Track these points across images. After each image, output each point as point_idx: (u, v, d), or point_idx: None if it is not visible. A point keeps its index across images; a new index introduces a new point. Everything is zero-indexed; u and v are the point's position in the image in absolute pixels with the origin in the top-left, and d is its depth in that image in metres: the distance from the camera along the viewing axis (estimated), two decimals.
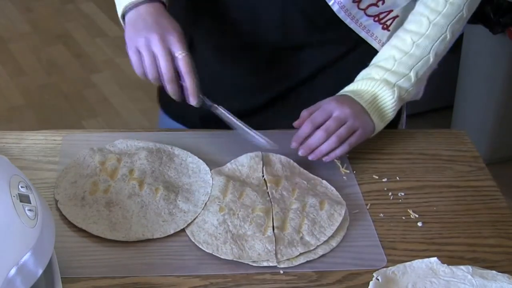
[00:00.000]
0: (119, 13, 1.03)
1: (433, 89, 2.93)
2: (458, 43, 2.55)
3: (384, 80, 1.07)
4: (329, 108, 1.04)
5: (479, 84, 2.48)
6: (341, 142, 1.02)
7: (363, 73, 1.10)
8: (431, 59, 1.10)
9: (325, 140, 1.02)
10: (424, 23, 1.08)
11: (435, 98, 2.77)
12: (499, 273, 0.86)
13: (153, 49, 0.96)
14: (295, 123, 1.05)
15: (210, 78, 1.06)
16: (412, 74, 1.08)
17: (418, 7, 1.10)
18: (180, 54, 0.97)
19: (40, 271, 0.73)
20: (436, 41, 1.09)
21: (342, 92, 1.09)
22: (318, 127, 1.02)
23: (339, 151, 1.03)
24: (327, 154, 1.03)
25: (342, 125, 1.02)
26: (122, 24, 1.03)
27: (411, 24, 1.09)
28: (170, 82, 0.98)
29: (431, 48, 1.09)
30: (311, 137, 1.02)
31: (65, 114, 2.79)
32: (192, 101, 0.99)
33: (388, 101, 1.07)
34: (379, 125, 1.08)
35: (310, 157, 1.03)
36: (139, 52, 0.97)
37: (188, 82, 0.98)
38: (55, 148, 1.07)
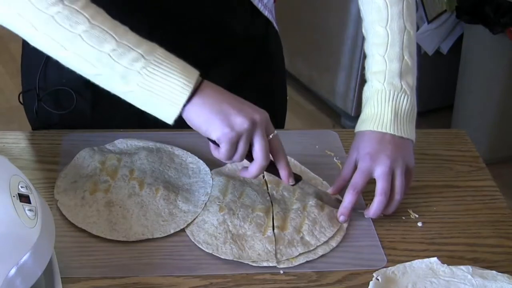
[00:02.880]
0: (178, 108, 0.85)
1: (433, 89, 2.96)
2: (458, 43, 2.55)
3: (388, 83, 1.00)
4: (366, 167, 0.96)
5: (479, 84, 2.48)
6: (403, 191, 0.97)
7: (366, 87, 1.04)
8: (411, 31, 1.05)
9: (387, 201, 0.96)
10: (381, 6, 1.02)
11: (435, 98, 2.78)
12: (499, 273, 0.86)
13: (255, 137, 0.87)
14: (332, 191, 0.99)
15: None
16: (406, 57, 1.03)
17: None
18: (273, 133, 0.90)
19: (40, 271, 0.73)
20: (403, 11, 1.03)
21: (363, 124, 1.01)
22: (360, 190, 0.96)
23: (400, 197, 0.97)
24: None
25: (392, 176, 0.96)
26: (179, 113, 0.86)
27: (371, 14, 1.04)
28: (263, 168, 0.90)
29: (403, 21, 1.03)
30: (373, 207, 0.95)
31: None
32: (291, 182, 0.93)
33: (405, 101, 1.01)
34: (413, 132, 1.02)
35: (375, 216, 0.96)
36: (236, 143, 0.87)
37: (284, 162, 0.92)
38: (55, 148, 1.06)
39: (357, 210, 0.99)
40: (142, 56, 0.84)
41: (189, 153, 1.06)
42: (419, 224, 0.98)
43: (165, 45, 0.87)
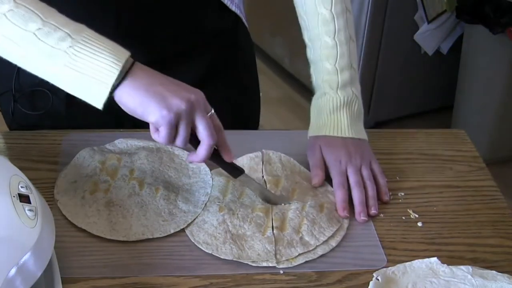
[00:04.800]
0: (107, 88, 0.82)
1: (433, 89, 2.96)
2: (458, 43, 2.55)
3: (341, 90, 1.05)
4: (342, 170, 1.02)
5: (479, 84, 2.48)
6: (372, 178, 1.02)
7: (318, 94, 1.07)
8: (354, 40, 1.07)
9: (363, 190, 1.00)
10: (327, 18, 1.05)
11: (435, 98, 2.78)
12: (499, 273, 0.86)
13: (197, 118, 0.86)
14: (315, 183, 1.03)
15: None
16: (354, 66, 1.06)
17: (309, 8, 1.07)
18: (211, 112, 0.89)
19: (40, 271, 0.73)
20: (347, 23, 1.06)
21: (323, 129, 1.05)
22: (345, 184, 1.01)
23: (382, 182, 1.03)
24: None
25: (360, 169, 1.02)
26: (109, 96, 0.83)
27: (317, 26, 1.06)
28: (211, 148, 0.89)
29: (349, 31, 1.06)
30: (355, 198, 0.99)
31: None
32: (230, 158, 0.93)
33: (356, 106, 1.06)
34: (364, 132, 1.07)
35: (373, 211, 0.99)
36: (176, 125, 0.85)
37: (225, 141, 0.92)
38: (55, 148, 1.06)
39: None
40: (69, 35, 0.81)
41: (189, 153, 1.06)
42: (419, 224, 0.98)
43: (132, 39, 0.86)
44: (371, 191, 1.01)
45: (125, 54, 0.83)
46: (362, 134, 1.06)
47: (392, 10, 2.45)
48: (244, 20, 1.20)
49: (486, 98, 2.47)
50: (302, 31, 1.11)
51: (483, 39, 2.35)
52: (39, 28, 0.81)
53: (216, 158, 0.92)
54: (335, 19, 1.05)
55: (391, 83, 2.65)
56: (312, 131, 1.07)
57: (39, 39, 0.81)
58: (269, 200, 0.97)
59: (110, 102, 0.84)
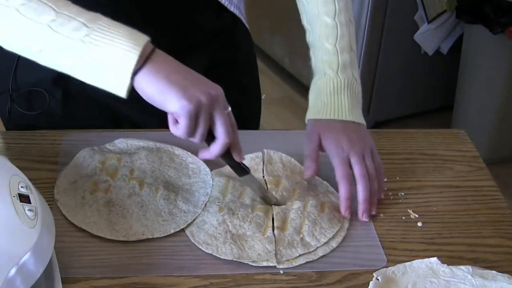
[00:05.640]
0: (128, 74, 0.79)
1: (433, 89, 2.95)
2: (458, 43, 2.55)
3: (341, 72, 1.01)
4: (344, 158, 0.98)
5: (479, 84, 2.48)
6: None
7: (318, 76, 1.04)
8: (354, 23, 1.05)
9: (368, 184, 0.97)
10: None
11: (435, 98, 2.78)
12: (499, 273, 0.86)
13: (215, 114, 0.84)
14: (308, 176, 1.00)
15: None
16: (354, 49, 1.03)
17: None
18: (229, 110, 0.87)
19: (40, 271, 0.73)
20: (347, 6, 1.04)
21: (322, 112, 1.02)
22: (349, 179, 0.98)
23: (381, 178, 1.01)
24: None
25: (364, 159, 0.98)
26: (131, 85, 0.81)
27: (317, 6, 1.04)
28: (227, 146, 0.88)
29: (349, 14, 1.04)
30: (360, 194, 0.97)
31: None
32: (240, 158, 0.91)
33: (357, 90, 1.03)
34: (362, 117, 1.04)
35: (373, 212, 0.98)
36: (195, 118, 0.82)
37: (238, 141, 0.91)
38: (55, 148, 1.06)
39: (356, 210, 0.99)
40: (84, 24, 0.79)
41: (189, 153, 1.06)
42: (419, 224, 0.98)
43: None
44: (374, 186, 0.98)
45: (144, 39, 0.80)
46: (362, 119, 1.02)
47: (392, 10, 2.45)
48: (244, 20, 1.20)
49: (486, 98, 2.47)
50: (301, 17, 1.08)
51: (483, 39, 2.35)
52: (53, 20, 0.79)
53: (224, 155, 0.90)
54: (335, 1, 1.02)
55: (391, 83, 2.65)
56: (311, 113, 1.03)
57: (54, 30, 0.79)
58: (270, 203, 0.97)
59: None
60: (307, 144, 1.01)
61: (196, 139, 0.85)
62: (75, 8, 0.81)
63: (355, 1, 2.42)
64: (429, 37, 2.56)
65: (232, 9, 1.14)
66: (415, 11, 2.49)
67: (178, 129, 0.84)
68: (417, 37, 2.55)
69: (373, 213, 0.98)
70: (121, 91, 0.80)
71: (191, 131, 0.83)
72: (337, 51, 1.01)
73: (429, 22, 2.51)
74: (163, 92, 0.80)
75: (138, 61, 0.79)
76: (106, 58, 0.79)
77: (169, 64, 0.82)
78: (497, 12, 2.24)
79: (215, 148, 0.86)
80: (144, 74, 0.80)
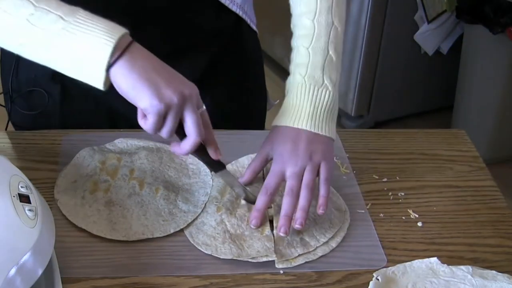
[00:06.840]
0: (103, 66, 0.79)
1: (433, 89, 2.95)
2: (458, 43, 2.55)
3: (309, 76, 0.97)
4: (279, 169, 0.94)
5: (479, 84, 2.48)
6: (313, 187, 0.93)
7: (288, 80, 1.00)
8: (338, 27, 1.00)
9: (296, 200, 0.92)
10: None
11: (435, 98, 2.78)
12: (499, 273, 0.86)
13: (186, 112, 0.84)
14: (242, 181, 0.97)
15: None
16: (331, 52, 0.98)
17: None
18: (202, 108, 0.87)
19: (40, 271, 0.73)
20: (332, 7, 0.99)
21: (280, 119, 0.97)
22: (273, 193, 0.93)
23: (323, 192, 0.93)
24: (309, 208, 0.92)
25: (303, 174, 0.93)
26: (106, 78, 0.80)
27: (299, 6, 1.01)
28: (197, 144, 0.87)
29: (332, 16, 0.99)
30: (282, 208, 0.91)
31: None
32: (216, 155, 0.91)
33: (326, 97, 0.97)
34: (332, 130, 0.98)
35: (297, 226, 0.91)
36: (164, 116, 0.83)
37: (213, 138, 0.90)
38: (55, 148, 1.06)
39: (356, 210, 0.99)
40: (61, 17, 0.79)
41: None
42: (419, 224, 0.98)
43: None
44: (303, 202, 0.91)
45: (120, 31, 0.80)
46: (327, 131, 0.96)
47: (392, 10, 2.45)
48: (248, 21, 1.18)
49: (486, 98, 2.47)
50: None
51: (483, 39, 2.35)
52: (32, 14, 0.79)
53: (197, 152, 0.90)
54: (318, 1, 0.98)
55: (391, 83, 2.65)
56: (275, 120, 0.99)
57: (32, 24, 0.79)
58: (249, 199, 0.96)
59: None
60: (257, 156, 0.99)
61: (163, 134, 0.85)
62: (55, 2, 0.81)
63: (355, 1, 2.42)
64: (429, 37, 2.56)
65: (234, 9, 1.13)
66: (415, 11, 2.49)
67: (145, 124, 0.84)
68: (417, 37, 2.55)
69: (298, 226, 0.91)
70: (98, 84, 0.80)
71: (158, 127, 0.84)
72: (309, 54, 0.97)
73: (429, 22, 2.52)
74: (136, 87, 0.80)
75: (113, 54, 0.79)
76: (82, 50, 0.79)
77: (145, 58, 0.82)
78: (497, 12, 2.24)
79: (185, 145, 0.87)
80: (119, 67, 0.80)
